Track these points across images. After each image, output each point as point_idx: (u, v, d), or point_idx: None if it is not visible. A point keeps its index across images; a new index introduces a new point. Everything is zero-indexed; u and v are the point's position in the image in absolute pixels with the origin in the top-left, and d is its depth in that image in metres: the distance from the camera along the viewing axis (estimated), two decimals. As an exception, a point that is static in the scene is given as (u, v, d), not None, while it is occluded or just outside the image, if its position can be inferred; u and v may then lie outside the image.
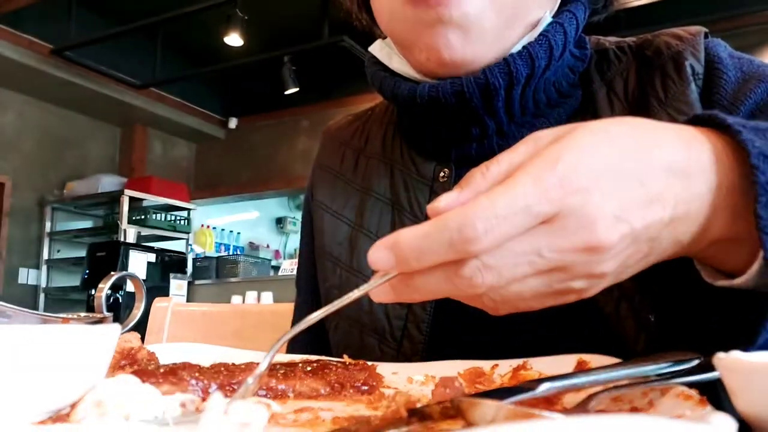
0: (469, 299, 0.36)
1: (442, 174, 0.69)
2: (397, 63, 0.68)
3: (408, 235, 0.33)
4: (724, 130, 0.39)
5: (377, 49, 0.71)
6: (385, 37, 0.71)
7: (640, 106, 0.64)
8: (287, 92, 5.39)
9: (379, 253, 0.34)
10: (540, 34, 0.62)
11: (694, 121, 0.41)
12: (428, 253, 0.33)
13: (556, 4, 0.65)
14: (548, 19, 0.63)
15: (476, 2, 0.58)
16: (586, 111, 0.67)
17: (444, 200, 0.34)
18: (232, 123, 6.80)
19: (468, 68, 0.62)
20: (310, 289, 0.83)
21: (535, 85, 0.64)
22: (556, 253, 0.33)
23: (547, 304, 0.37)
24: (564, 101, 0.67)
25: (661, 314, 0.55)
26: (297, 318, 0.87)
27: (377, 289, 0.36)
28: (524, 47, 0.61)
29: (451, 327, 0.65)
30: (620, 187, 0.34)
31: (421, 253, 0.33)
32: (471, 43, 0.60)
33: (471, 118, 0.65)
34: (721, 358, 0.33)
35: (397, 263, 0.34)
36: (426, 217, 0.35)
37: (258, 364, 0.50)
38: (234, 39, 4.84)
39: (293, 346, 0.85)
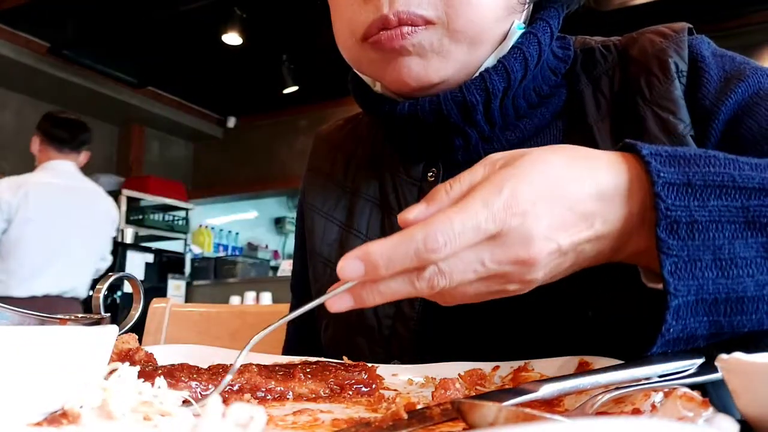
0: (422, 294, 0.42)
1: (430, 174, 0.69)
2: (380, 87, 0.69)
3: (378, 247, 0.38)
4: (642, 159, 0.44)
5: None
6: None
7: (625, 105, 0.64)
8: (286, 91, 5.37)
9: (349, 263, 0.38)
10: (514, 47, 0.63)
11: (627, 147, 0.45)
12: (396, 261, 0.38)
13: (525, 11, 0.66)
14: (518, 29, 0.64)
15: (428, 35, 0.59)
16: (572, 110, 0.67)
17: (413, 212, 0.41)
18: (231, 122, 6.78)
19: (441, 88, 0.63)
20: (304, 290, 0.83)
21: (513, 94, 0.64)
22: (496, 263, 0.40)
23: (485, 299, 0.44)
24: (547, 101, 0.67)
25: (598, 311, 0.56)
26: (293, 320, 0.87)
27: (333, 299, 0.40)
28: (499, 61, 0.62)
29: (439, 326, 0.65)
30: (552, 211, 0.40)
31: (390, 261, 0.38)
32: (434, 68, 0.61)
33: (453, 131, 0.65)
34: (723, 359, 0.33)
35: (367, 271, 0.38)
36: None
37: (257, 365, 0.50)
38: (232, 37, 4.83)
39: (290, 347, 0.85)
